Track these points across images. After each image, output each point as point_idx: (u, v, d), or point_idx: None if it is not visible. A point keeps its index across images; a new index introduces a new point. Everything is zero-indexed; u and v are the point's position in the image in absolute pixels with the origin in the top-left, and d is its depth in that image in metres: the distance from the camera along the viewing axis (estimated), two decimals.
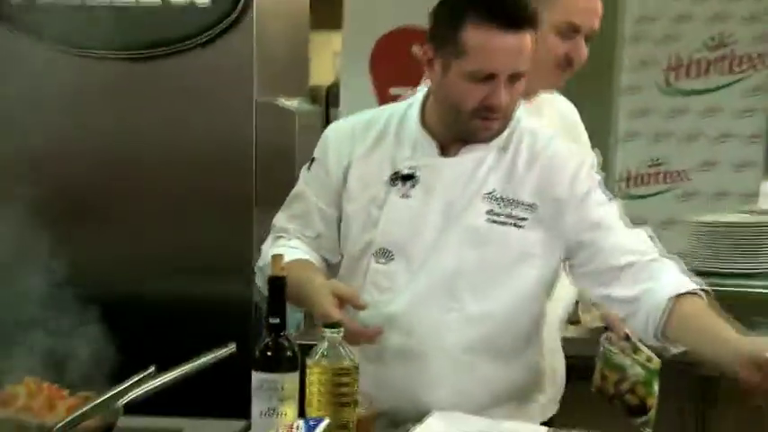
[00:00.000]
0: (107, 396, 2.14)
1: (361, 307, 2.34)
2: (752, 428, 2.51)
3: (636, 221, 2.55)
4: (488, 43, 2.32)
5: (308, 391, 2.09)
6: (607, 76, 6.68)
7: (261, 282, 2.56)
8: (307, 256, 2.51)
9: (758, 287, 4.31)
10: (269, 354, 2.07)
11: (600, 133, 4.64)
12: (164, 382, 2.21)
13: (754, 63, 6.89)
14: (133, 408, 2.22)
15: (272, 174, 3.07)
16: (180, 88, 3.05)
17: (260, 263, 2.59)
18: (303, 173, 2.63)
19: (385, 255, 2.46)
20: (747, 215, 4.76)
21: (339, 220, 2.56)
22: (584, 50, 2.80)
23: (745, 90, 6.94)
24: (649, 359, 2.79)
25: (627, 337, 2.79)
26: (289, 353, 2.08)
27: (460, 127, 2.43)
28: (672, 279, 2.37)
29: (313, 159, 2.61)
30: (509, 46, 2.33)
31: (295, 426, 1.85)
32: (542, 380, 2.62)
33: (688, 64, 6.83)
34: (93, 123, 3.08)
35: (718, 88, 6.68)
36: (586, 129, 3.12)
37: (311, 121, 3.29)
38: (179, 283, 3.01)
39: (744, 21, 6.85)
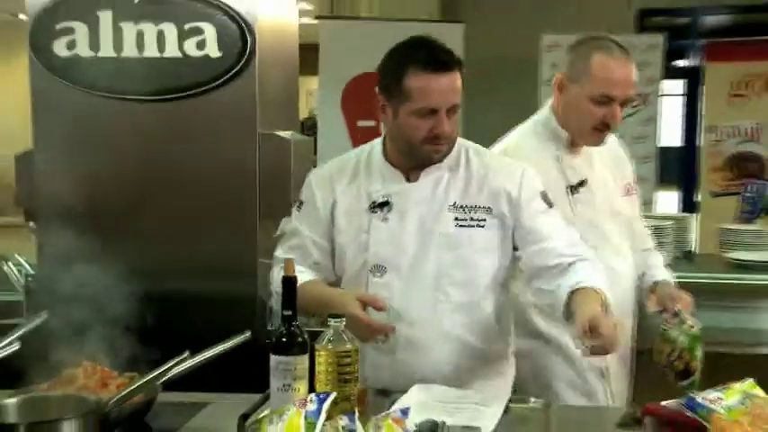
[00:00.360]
0: (150, 376, 2.13)
1: (381, 308, 2.35)
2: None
3: None
4: (428, 85, 2.36)
5: (316, 370, 2.10)
6: None
7: (276, 304, 2.57)
8: (316, 278, 2.54)
9: None
10: (283, 340, 2.08)
11: None
12: (193, 364, 2.22)
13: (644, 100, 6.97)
14: (170, 385, 2.22)
15: (272, 191, 3.05)
16: (197, 124, 3.02)
17: (275, 288, 2.56)
18: (294, 213, 2.67)
19: (379, 269, 2.48)
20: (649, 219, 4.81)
21: (332, 250, 2.58)
22: (618, 115, 2.72)
23: (639, 120, 7.02)
24: (692, 326, 2.73)
25: (675, 314, 2.76)
26: (300, 339, 2.08)
27: (415, 154, 2.47)
28: (578, 278, 2.41)
29: (302, 202, 2.64)
30: (444, 85, 2.37)
31: (309, 399, 1.84)
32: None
33: None
34: (127, 154, 3.05)
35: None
36: None
37: (303, 148, 3.27)
38: (201, 282, 2.98)
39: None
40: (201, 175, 3.03)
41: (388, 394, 2.35)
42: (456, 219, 2.46)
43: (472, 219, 2.46)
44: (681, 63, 8.66)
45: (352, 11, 7.80)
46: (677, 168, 8.42)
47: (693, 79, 8.18)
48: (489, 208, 2.47)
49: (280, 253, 2.63)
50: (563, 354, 2.79)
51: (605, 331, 2.18)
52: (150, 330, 2.50)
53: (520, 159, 2.64)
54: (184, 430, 2.19)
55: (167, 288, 2.92)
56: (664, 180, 7.47)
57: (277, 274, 2.56)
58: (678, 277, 4.21)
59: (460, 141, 2.55)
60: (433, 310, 2.45)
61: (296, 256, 2.49)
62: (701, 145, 7.26)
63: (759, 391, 2.19)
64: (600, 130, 2.74)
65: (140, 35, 2.98)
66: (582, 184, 2.77)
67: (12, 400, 2.06)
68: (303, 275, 2.47)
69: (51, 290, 2.64)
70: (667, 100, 7.95)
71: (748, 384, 2.20)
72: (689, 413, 2.11)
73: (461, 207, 2.47)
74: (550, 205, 2.52)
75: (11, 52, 12.26)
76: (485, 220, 2.47)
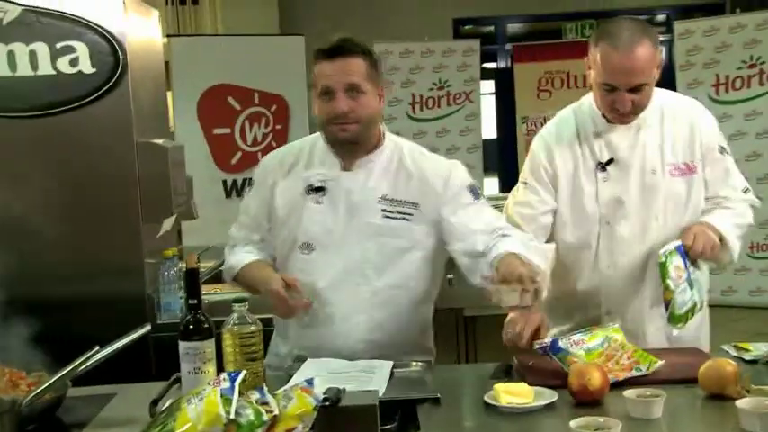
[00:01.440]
0: (61, 374, 2.06)
1: (297, 289, 2.33)
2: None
3: None
4: (321, 70, 2.39)
5: (224, 352, 2.08)
6: None
7: (228, 278, 2.62)
8: (259, 257, 2.53)
9: None
10: (191, 327, 2.05)
11: None
12: (99, 359, 2.14)
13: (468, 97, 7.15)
14: (78, 380, 2.16)
15: (153, 194, 3.03)
16: (76, 136, 2.97)
17: (225, 266, 2.61)
18: (246, 192, 2.65)
19: (307, 247, 2.47)
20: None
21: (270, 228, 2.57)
22: (625, 101, 2.48)
23: (464, 116, 7.23)
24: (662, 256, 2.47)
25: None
26: (205, 325, 2.06)
27: (328, 137, 2.47)
28: (498, 251, 2.32)
29: (252, 182, 2.62)
30: (336, 68, 2.37)
31: (222, 378, 1.81)
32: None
33: None
34: (9, 168, 2.95)
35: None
36: None
37: (177, 153, 3.22)
38: (91, 285, 2.95)
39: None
40: (87, 184, 2.98)
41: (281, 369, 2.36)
42: (383, 210, 2.45)
43: (399, 212, 2.45)
44: (491, 65, 8.94)
45: (197, 29, 7.72)
46: (496, 157, 8.68)
47: (505, 79, 8.45)
48: (416, 204, 2.46)
49: (233, 231, 2.62)
50: None
51: (519, 271, 2.14)
52: (50, 332, 2.41)
53: (557, 140, 2.63)
54: (96, 421, 2.12)
55: (59, 292, 2.87)
56: (486, 168, 7.71)
57: (228, 252, 2.60)
58: None
59: (396, 140, 2.55)
60: (354, 292, 2.44)
61: (245, 234, 2.57)
62: (519, 135, 7.52)
63: (620, 335, 2.28)
64: (618, 112, 2.54)
65: (11, 55, 2.89)
66: (611, 161, 2.60)
67: None
68: (248, 256, 2.52)
69: None
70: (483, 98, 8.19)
71: (613, 329, 2.30)
72: (549, 358, 2.19)
73: (390, 200, 2.46)
74: (477, 196, 2.50)
75: None
76: (411, 214, 2.45)
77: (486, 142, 7.68)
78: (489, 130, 8.45)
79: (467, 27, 8.63)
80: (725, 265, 2.60)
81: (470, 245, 2.40)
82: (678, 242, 2.49)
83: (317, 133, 2.56)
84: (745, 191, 2.67)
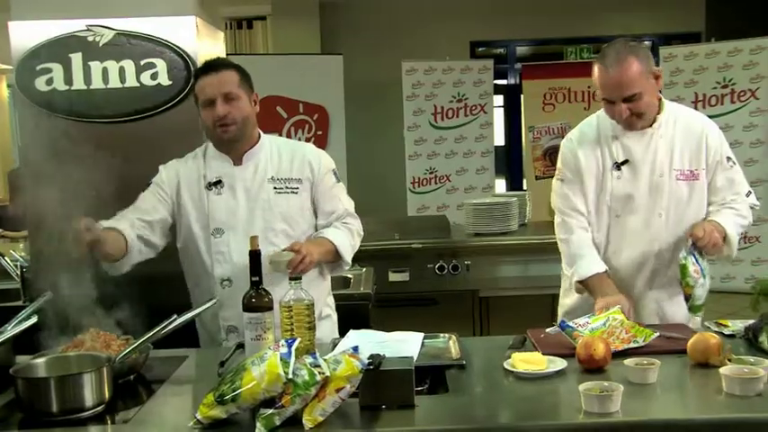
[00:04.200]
0: (145, 337, 2.09)
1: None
2: None
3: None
4: (202, 85, 2.51)
5: (282, 322, 2.09)
6: None
7: None
8: (119, 227, 2.47)
9: (511, 240, 4.48)
10: (253, 300, 2.06)
11: None
12: (175, 326, 2.16)
13: (483, 109, 7.09)
14: (158, 344, 2.18)
15: None
16: (155, 138, 2.96)
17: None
18: (148, 188, 2.63)
19: (219, 231, 2.54)
20: (494, 198, 4.94)
21: (167, 220, 2.58)
22: (622, 111, 2.47)
23: (479, 125, 7.19)
24: (681, 257, 2.46)
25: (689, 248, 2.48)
26: (266, 299, 2.08)
27: (214, 139, 2.58)
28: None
29: (149, 183, 2.63)
30: (213, 81, 2.49)
31: (280, 344, 1.83)
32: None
33: None
34: (95, 167, 2.96)
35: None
36: None
37: None
38: (177, 261, 2.90)
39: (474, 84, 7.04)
40: None
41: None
42: (274, 188, 2.56)
43: (287, 187, 2.57)
44: (501, 82, 8.89)
45: (251, 49, 7.75)
46: (504, 162, 8.66)
47: (513, 93, 8.42)
48: (299, 179, 2.59)
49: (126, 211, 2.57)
50: None
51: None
52: (136, 302, 2.43)
53: (580, 142, 2.64)
54: (173, 379, 2.16)
55: (152, 269, 2.86)
56: (496, 171, 7.67)
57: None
58: (519, 240, 4.43)
59: (271, 138, 2.67)
60: (265, 256, 2.37)
61: (137, 214, 2.53)
62: (525, 142, 7.48)
63: (620, 315, 2.28)
64: (625, 121, 2.52)
65: (105, 71, 2.92)
66: (625, 162, 2.58)
67: (40, 360, 2.00)
68: (112, 222, 2.47)
69: (45, 278, 2.55)
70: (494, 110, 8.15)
71: (614, 311, 2.30)
72: (560, 333, 2.21)
73: (278, 179, 2.57)
74: (338, 180, 2.67)
75: None
76: (297, 187, 2.58)
77: (496, 148, 7.64)
78: (498, 137, 8.42)
79: (481, 49, 8.59)
80: (725, 259, 2.60)
81: (327, 221, 2.61)
82: (690, 243, 2.46)
83: (205, 143, 2.65)
84: (748, 194, 2.65)
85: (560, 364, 2.01)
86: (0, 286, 3.08)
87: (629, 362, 1.94)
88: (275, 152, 2.60)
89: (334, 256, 2.56)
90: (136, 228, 2.51)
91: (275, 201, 2.54)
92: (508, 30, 8.16)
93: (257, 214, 2.53)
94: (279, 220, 2.53)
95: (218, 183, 2.54)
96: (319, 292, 2.59)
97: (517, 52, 8.70)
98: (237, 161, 2.57)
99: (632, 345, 2.15)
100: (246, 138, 2.57)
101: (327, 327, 2.66)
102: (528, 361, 2.02)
